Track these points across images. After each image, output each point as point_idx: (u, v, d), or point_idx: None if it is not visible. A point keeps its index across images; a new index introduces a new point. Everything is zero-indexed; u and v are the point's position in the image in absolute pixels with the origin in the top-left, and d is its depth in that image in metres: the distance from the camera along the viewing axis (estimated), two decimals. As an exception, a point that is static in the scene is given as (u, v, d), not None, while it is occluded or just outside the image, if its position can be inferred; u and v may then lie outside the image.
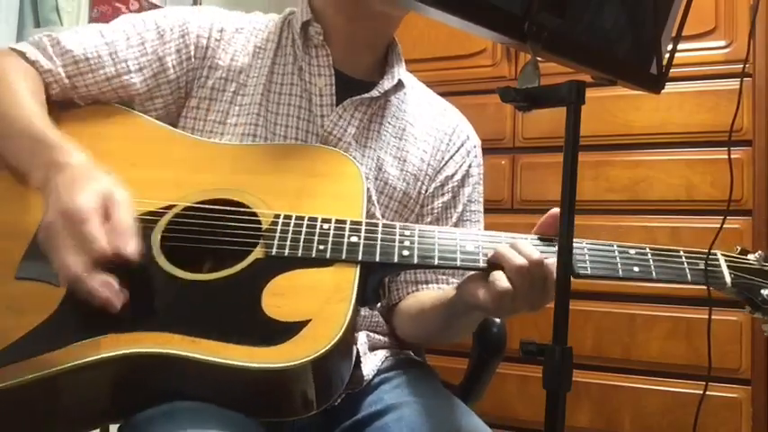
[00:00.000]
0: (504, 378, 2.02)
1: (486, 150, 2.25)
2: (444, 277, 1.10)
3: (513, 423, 2.04)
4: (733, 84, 1.90)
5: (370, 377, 0.98)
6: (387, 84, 1.06)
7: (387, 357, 1.03)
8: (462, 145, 1.13)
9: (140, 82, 1.00)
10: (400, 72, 1.09)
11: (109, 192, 0.78)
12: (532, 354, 0.70)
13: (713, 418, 1.82)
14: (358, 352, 0.96)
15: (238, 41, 1.05)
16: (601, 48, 0.71)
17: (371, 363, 1.00)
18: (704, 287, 0.87)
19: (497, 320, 1.19)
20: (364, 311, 1.05)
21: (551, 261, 0.80)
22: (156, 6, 2.18)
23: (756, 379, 1.85)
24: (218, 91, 1.03)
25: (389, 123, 1.08)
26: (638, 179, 2.00)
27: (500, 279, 0.81)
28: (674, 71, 0.76)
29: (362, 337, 1.02)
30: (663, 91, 0.76)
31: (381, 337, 1.07)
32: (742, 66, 1.93)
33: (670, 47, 0.76)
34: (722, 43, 1.94)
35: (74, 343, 0.76)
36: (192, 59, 1.02)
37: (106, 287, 0.74)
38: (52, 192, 0.78)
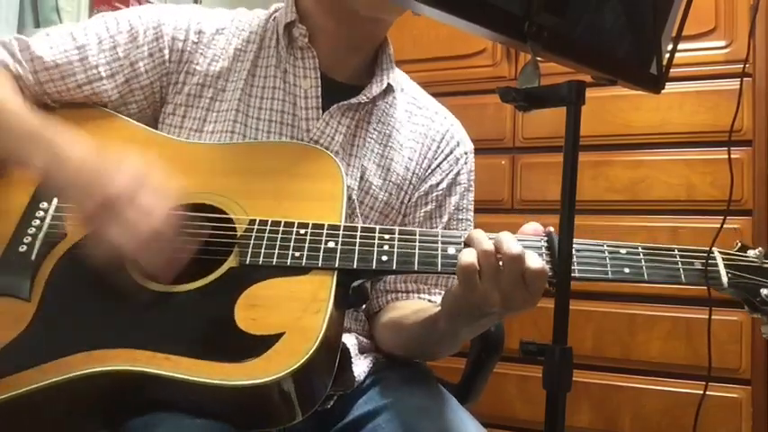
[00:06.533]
0: (504, 378, 2.02)
1: (487, 150, 2.24)
2: (426, 287, 1.06)
3: (513, 423, 2.04)
4: (733, 84, 1.90)
5: (362, 378, 0.96)
6: (375, 89, 1.01)
7: (378, 359, 1.02)
8: (451, 152, 1.08)
9: (112, 88, 0.98)
10: (390, 76, 1.03)
11: (137, 175, 0.81)
12: (532, 354, 0.70)
13: (713, 418, 1.82)
14: (349, 353, 0.95)
15: (218, 44, 1.01)
16: (601, 48, 0.71)
17: (362, 364, 0.98)
18: (704, 287, 0.87)
19: (496, 319, 1.19)
20: (351, 314, 1.02)
21: (530, 258, 0.76)
22: (156, 6, 2.18)
23: (756, 379, 1.84)
24: (194, 97, 0.99)
25: (375, 130, 1.03)
26: (638, 179, 1.99)
27: (468, 253, 0.77)
28: (674, 71, 0.76)
29: (352, 339, 1.00)
30: (663, 91, 0.76)
31: (370, 342, 1.05)
32: (742, 66, 1.93)
33: (670, 47, 0.76)
34: (722, 43, 1.94)
35: (46, 362, 0.75)
36: (167, 64, 0.99)
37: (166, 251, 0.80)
38: (72, 184, 0.80)
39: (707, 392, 0.99)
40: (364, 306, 1.04)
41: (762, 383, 1.84)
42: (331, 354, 0.82)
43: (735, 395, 1.85)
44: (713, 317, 0.95)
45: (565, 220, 0.69)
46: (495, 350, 1.19)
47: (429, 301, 1.05)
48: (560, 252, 0.69)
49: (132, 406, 0.76)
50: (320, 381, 0.81)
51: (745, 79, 1.88)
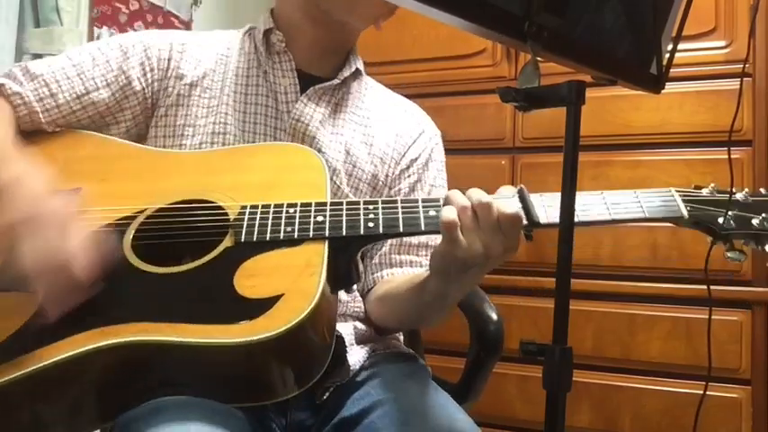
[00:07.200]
0: (504, 378, 2.02)
1: (487, 150, 2.24)
2: (418, 259, 1.11)
3: (513, 423, 2.04)
4: (733, 84, 1.90)
5: (357, 368, 0.98)
6: (346, 72, 1.13)
7: (375, 350, 1.04)
8: (423, 132, 1.19)
9: (108, 96, 1.06)
10: (358, 63, 1.16)
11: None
12: (532, 354, 0.70)
13: (713, 418, 1.82)
14: (344, 341, 0.98)
15: (202, 52, 1.12)
16: (601, 48, 0.71)
17: (358, 354, 1.01)
18: (703, 286, 0.87)
19: (495, 318, 1.19)
20: (346, 297, 1.06)
21: (503, 205, 0.82)
22: (156, 6, 2.19)
23: (756, 379, 1.84)
24: (184, 97, 1.08)
25: (353, 113, 1.14)
26: (638, 179, 1.99)
27: (448, 210, 0.83)
28: (674, 71, 0.76)
29: (349, 328, 1.03)
30: (663, 91, 0.76)
31: (367, 329, 1.07)
32: (742, 66, 1.93)
33: (670, 47, 0.76)
34: (722, 43, 1.94)
35: (52, 342, 0.77)
36: (156, 71, 1.08)
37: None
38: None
39: (707, 392, 1.00)
40: (355, 287, 1.06)
41: (762, 383, 1.84)
42: (324, 323, 0.85)
43: (735, 395, 1.85)
44: (713, 317, 0.96)
45: (565, 220, 0.69)
46: (495, 350, 1.19)
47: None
48: (560, 252, 0.69)
49: (138, 385, 0.79)
50: (317, 348, 0.84)
51: (745, 79, 1.88)
